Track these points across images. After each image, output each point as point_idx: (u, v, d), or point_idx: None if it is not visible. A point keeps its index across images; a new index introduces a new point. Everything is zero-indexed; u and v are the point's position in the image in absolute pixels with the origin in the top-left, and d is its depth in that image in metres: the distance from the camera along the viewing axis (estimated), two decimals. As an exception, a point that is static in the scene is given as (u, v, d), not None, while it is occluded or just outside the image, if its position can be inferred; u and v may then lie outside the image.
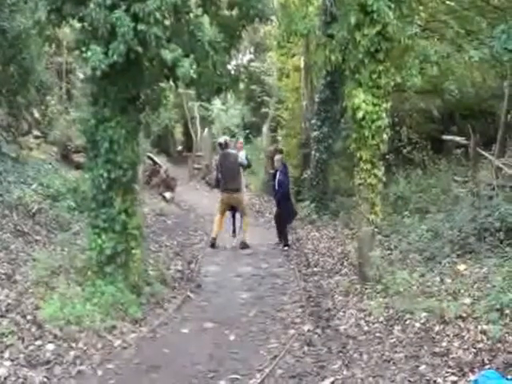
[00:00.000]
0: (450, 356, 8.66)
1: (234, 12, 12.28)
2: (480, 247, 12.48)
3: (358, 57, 12.02)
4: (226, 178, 18.20)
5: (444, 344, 9.05)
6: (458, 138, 19.94)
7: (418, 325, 9.91)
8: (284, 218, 18.48)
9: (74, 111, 25.30)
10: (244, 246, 18.00)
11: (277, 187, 18.34)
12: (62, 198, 16.07)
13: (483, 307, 9.45)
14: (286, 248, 17.97)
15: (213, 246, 17.98)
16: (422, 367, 8.55)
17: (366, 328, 10.63)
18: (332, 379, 8.91)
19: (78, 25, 11.42)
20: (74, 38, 13.23)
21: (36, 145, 21.12)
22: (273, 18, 13.27)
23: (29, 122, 21.81)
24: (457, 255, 12.49)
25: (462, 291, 10.46)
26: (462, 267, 11.82)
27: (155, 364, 9.33)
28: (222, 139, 19.45)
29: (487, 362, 8.26)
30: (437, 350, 8.95)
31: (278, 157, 19.10)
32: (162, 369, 9.20)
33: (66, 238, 14.05)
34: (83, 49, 10.55)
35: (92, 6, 10.22)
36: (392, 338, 9.81)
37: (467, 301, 9.98)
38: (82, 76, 25.94)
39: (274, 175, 18.77)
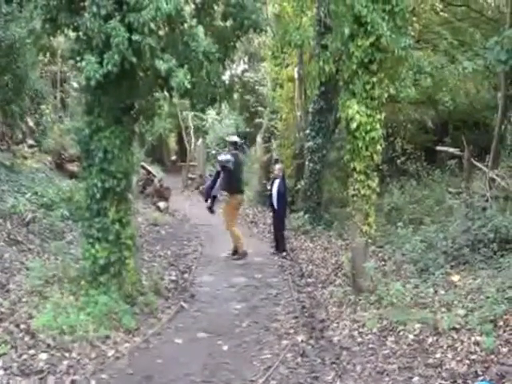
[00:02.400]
0: (444, 367, 8.67)
1: (229, 23, 12.30)
2: (474, 258, 12.51)
3: (351, 68, 12.03)
4: (241, 178, 18.00)
5: (437, 355, 9.06)
6: (451, 149, 19.98)
7: (411, 336, 9.92)
8: (283, 226, 18.58)
9: (69, 120, 25.32)
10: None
11: (276, 195, 18.37)
12: (56, 207, 16.06)
13: (477, 318, 9.47)
14: (284, 254, 18.06)
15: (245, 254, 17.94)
16: (416, 379, 8.56)
17: (359, 339, 10.63)
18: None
19: (72, 34, 11.43)
20: (68, 47, 13.25)
21: (30, 154, 21.11)
22: (267, 28, 13.30)
23: (23, 131, 21.81)
24: (450, 266, 12.52)
25: (456, 302, 10.48)
26: (455, 278, 11.85)
27: (148, 374, 9.31)
28: (235, 138, 19.29)
29: (481, 373, 8.28)
30: (430, 361, 8.96)
31: (279, 166, 19.17)
32: (156, 379, 9.18)
33: (60, 247, 14.04)
34: (78, 58, 10.56)
35: (87, 15, 10.24)
36: (385, 350, 9.81)
37: (461, 312, 10.00)
38: (76, 85, 25.98)
39: (272, 184, 18.82)
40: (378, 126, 12.31)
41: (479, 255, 12.53)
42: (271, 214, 19.32)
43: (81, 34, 10.84)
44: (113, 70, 10.08)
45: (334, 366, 9.63)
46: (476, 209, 14.08)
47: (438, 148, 21.75)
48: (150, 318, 12.00)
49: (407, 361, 9.15)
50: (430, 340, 9.52)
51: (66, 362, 9.30)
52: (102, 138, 11.09)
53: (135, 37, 10.03)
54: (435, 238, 13.84)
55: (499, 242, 12.46)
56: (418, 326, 10.01)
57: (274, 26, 19.42)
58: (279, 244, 18.60)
